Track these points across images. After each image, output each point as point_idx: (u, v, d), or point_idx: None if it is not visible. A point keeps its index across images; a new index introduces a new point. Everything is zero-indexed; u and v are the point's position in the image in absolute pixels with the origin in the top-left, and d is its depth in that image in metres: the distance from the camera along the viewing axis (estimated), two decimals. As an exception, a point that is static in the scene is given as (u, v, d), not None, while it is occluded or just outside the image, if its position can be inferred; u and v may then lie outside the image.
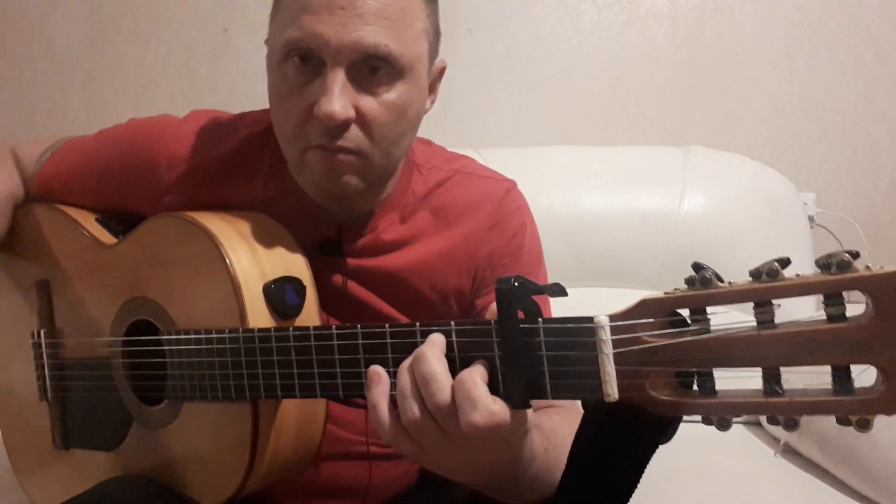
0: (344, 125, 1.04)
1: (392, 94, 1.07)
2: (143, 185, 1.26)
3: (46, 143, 1.40)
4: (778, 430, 1.95)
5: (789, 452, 1.87)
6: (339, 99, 1.01)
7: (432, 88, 1.21)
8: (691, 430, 1.87)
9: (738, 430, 2.08)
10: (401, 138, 1.12)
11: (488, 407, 0.80)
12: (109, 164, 1.30)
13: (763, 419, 2.01)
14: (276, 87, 1.10)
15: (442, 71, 1.22)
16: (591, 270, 2.17)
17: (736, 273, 2.01)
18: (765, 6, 2.47)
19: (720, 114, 2.52)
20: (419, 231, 1.24)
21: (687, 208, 2.16)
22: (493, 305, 0.83)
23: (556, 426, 1.04)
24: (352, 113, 1.03)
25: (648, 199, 2.19)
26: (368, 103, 1.05)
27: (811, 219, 2.41)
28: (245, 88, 2.63)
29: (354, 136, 1.05)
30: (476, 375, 0.81)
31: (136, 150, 1.28)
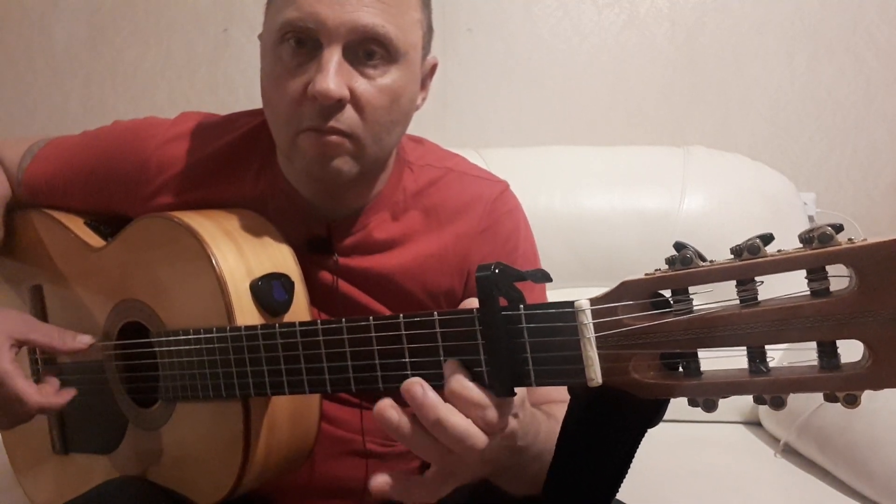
0: (338, 105, 1.04)
1: (387, 79, 1.07)
2: (133, 188, 1.26)
3: (27, 142, 1.40)
4: (778, 430, 1.94)
5: (789, 452, 1.87)
6: (334, 77, 1.01)
7: (423, 85, 1.21)
8: (691, 431, 1.88)
9: (738, 430, 2.08)
10: (393, 126, 1.12)
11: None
12: (96, 167, 1.30)
13: (764, 418, 2.02)
14: (269, 71, 1.10)
15: (433, 68, 1.22)
16: (591, 270, 2.17)
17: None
18: (765, 6, 2.47)
19: (720, 114, 2.52)
20: (410, 231, 1.23)
21: (687, 208, 2.16)
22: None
23: (554, 411, 1.04)
24: (346, 92, 1.03)
25: (648, 199, 2.19)
26: (363, 85, 1.05)
27: (811, 219, 2.41)
28: (245, 88, 2.63)
29: (348, 117, 1.05)
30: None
31: (124, 153, 1.28)
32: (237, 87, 2.64)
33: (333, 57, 1.02)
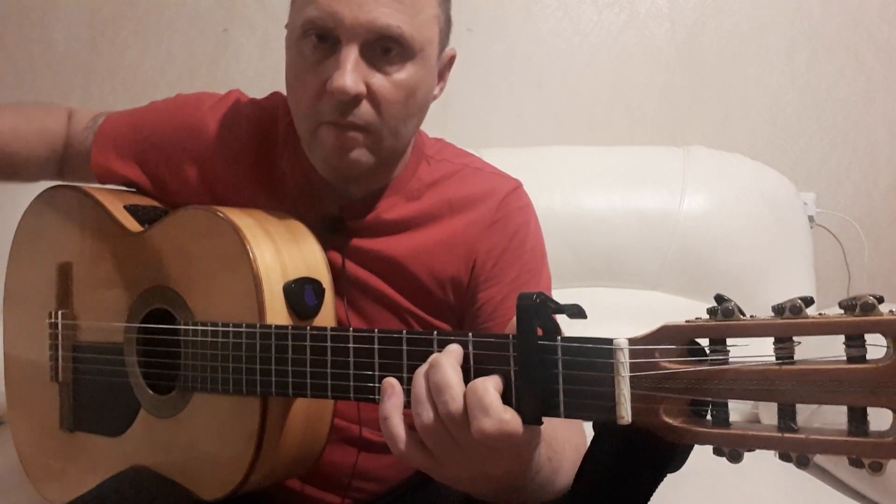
0: (355, 101, 1.08)
1: (402, 74, 1.11)
2: (181, 151, 1.31)
3: (92, 112, 1.43)
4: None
5: (790, 453, 1.88)
6: (350, 74, 1.06)
7: (441, 76, 1.25)
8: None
9: (738, 430, 2.08)
10: (409, 118, 1.16)
11: (500, 415, 0.79)
12: (156, 128, 1.34)
13: (763, 418, 2.03)
14: (292, 64, 1.15)
15: (451, 59, 1.26)
16: (591, 270, 2.18)
17: (736, 275, 2.00)
18: (765, 6, 2.48)
19: (720, 114, 2.53)
20: (422, 216, 1.26)
21: (687, 208, 2.17)
22: (513, 321, 0.83)
23: (555, 430, 1.04)
24: (363, 88, 1.08)
25: (648, 199, 2.20)
26: (379, 81, 1.09)
27: (811, 219, 2.42)
28: (245, 88, 2.55)
29: (365, 112, 1.10)
30: (489, 384, 0.81)
31: (176, 119, 1.33)
32: (237, 87, 2.60)
33: (351, 55, 1.07)
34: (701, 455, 1.78)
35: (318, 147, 1.14)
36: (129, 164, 1.35)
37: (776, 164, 2.31)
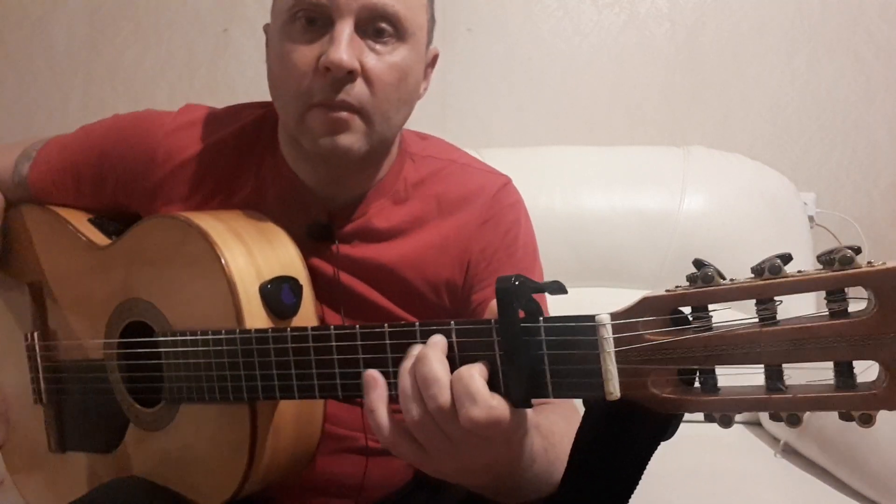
0: (348, 78, 1.06)
1: (396, 56, 1.10)
2: (140, 178, 1.26)
3: (18, 147, 1.40)
4: (778, 430, 1.95)
5: (789, 452, 1.87)
6: (346, 49, 1.04)
7: (425, 74, 1.23)
8: (691, 430, 1.87)
9: (738, 430, 2.08)
10: (400, 105, 1.14)
11: (487, 401, 0.79)
12: (104, 158, 1.29)
13: (764, 418, 2.03)
14: (278, 50, 1.11)
15: (434, 58, 1.25)
16: (591, 270, 2.17)
17: (736, 274, 2.00)
18: (765, 6, 2.48)
19: (720, 114, 2.52)
20: (411, 220, 1.24)
21: (687, 208, 2.16)
22: (493, 304, 0.82)
23: (553, 425, 1.03)
24: (357, 65, 1.05)
25: (648, 199, 2.19)
26: (373, 61, 1.08)
27: (811, 219, 2.41)
28: (245, 88, 2.62)
29: (358, 91, 1.07)
30: (474, 371, 0.81)
31: (131, 143, 1.27)
32: (237, 87, 2.63)
33: (346, 30, 1.05)
34: (700, 454, 1.79)
35: (307, 135, 1.10)
36: (85, 203, 1.34)
37: (776, 164, 2.30)
